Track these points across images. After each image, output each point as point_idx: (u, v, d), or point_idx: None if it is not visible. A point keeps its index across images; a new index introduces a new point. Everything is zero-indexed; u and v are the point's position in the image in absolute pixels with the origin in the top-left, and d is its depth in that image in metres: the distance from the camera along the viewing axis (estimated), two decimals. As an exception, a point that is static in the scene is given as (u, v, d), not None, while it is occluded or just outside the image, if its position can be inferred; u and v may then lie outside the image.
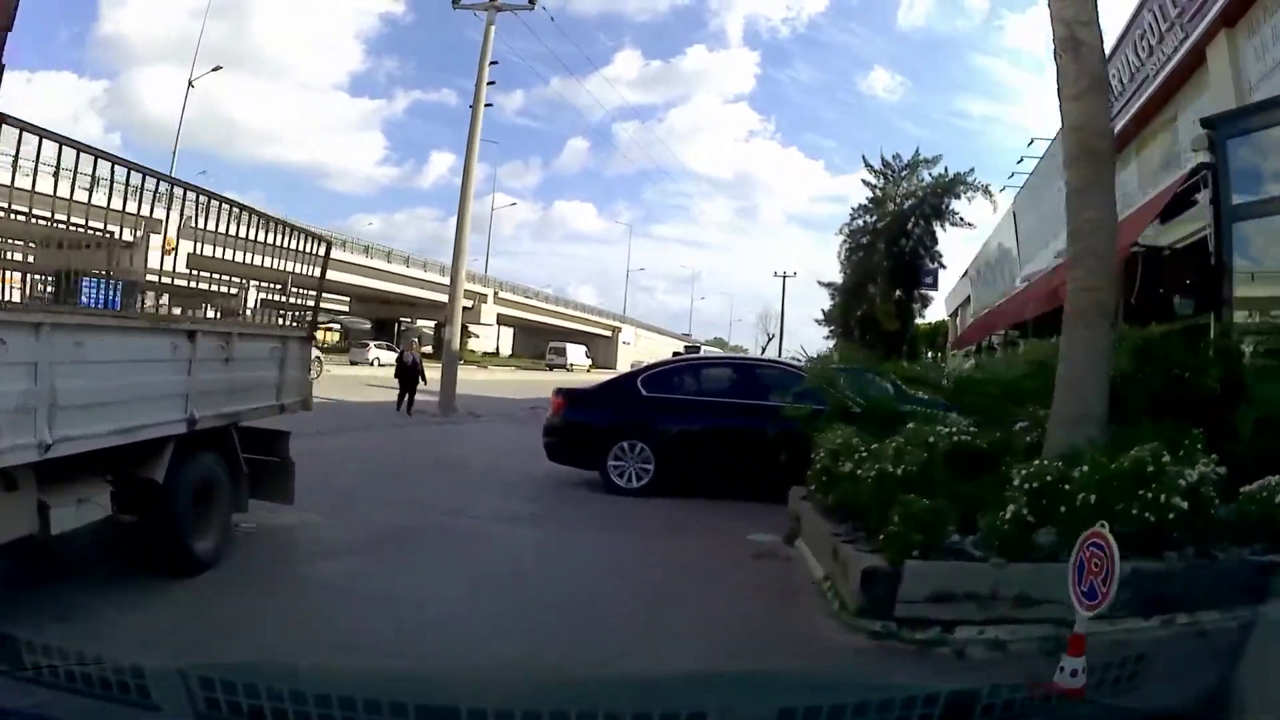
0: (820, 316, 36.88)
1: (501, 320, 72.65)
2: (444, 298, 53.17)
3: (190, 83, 37.14)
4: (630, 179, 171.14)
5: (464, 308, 42.86)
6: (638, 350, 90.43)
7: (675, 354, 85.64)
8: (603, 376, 50.85)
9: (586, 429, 10.29)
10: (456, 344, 19.55)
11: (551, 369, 63.08)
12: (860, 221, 32.14)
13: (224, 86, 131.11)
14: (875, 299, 30.21)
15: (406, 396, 18.46)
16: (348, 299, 67.43)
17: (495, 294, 67.50)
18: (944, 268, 30.66)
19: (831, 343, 32.91)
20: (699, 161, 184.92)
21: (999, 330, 19.18)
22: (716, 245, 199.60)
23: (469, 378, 32.75)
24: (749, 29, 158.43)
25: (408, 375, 18.61)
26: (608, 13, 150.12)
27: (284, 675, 2.26)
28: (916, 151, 30.50)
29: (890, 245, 29.45)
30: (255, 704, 1.71)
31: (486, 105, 19.79)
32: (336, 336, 75.60)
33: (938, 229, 29.69)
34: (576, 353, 72.01)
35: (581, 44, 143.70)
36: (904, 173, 30.46)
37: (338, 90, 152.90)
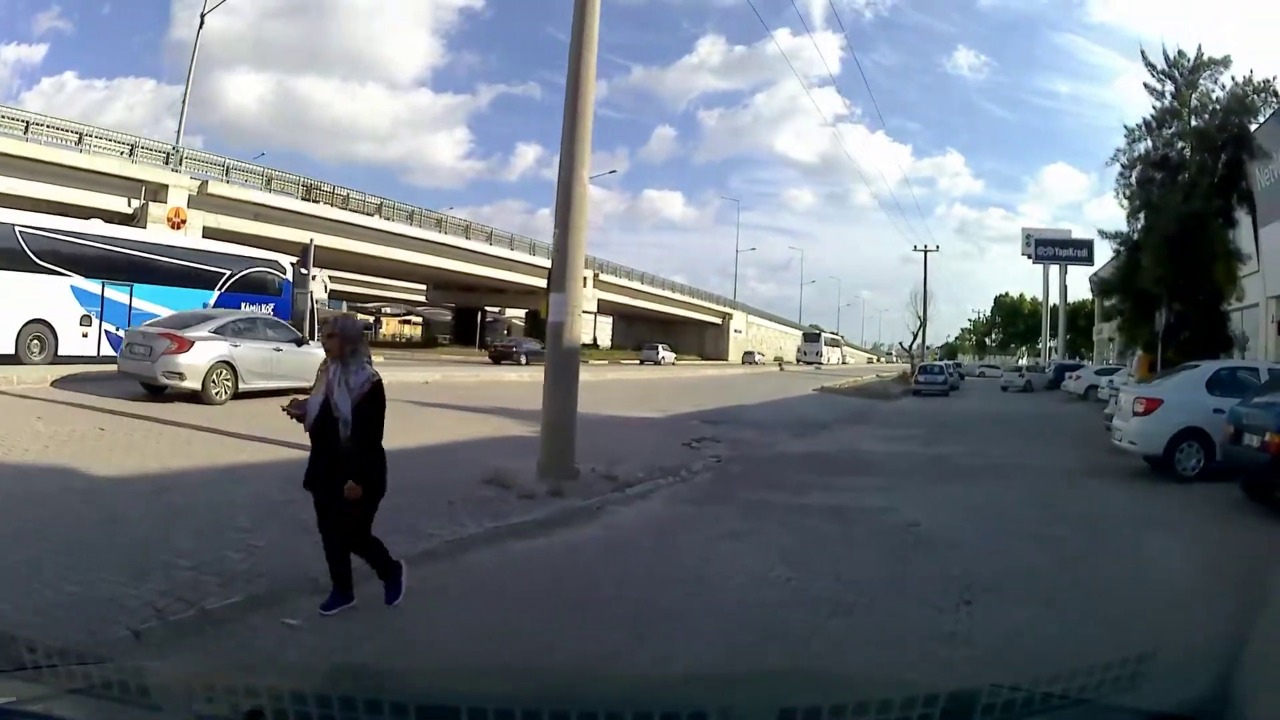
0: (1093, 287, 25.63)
1: (603, 308, 65.17)
2: (536, 281, 48.98)
3: (202, 17, 34.65)
4: (718, 166, 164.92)
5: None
6: (749, 340, 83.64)
7: (802, 345, 79.64)
8: (708, 370, 42.84)
9: None
10: (576, 330, 10.18)
11: (642, 363, 58.27)
12: (1145, 145, 22.31)
13: (310, 87, 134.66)
14: (1197, 252, 19.59)
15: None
16: (424, 285, 61.00)
17: (596, 276, 59.15)
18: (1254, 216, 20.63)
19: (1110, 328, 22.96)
20: (786, 147, 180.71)
21: None
22: (805, 232, 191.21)
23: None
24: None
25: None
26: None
27: (284, 675, 2.56)
28: (1199, 50, 20.94)
29: (1203, 172, 19.73)
30: (255, 704, 1.66)
31: None
32: (419, 330, 69.07)
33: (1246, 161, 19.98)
34: (666, 350, 65.66)
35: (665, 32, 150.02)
36: (1192, 76, 20.73)
37: (421, 86, 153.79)
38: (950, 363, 58.57)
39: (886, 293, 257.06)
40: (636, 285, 67.50)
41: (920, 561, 6.75)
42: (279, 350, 15.57)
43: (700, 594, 5.69)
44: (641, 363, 58.19)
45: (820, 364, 79.30)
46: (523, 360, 39.14)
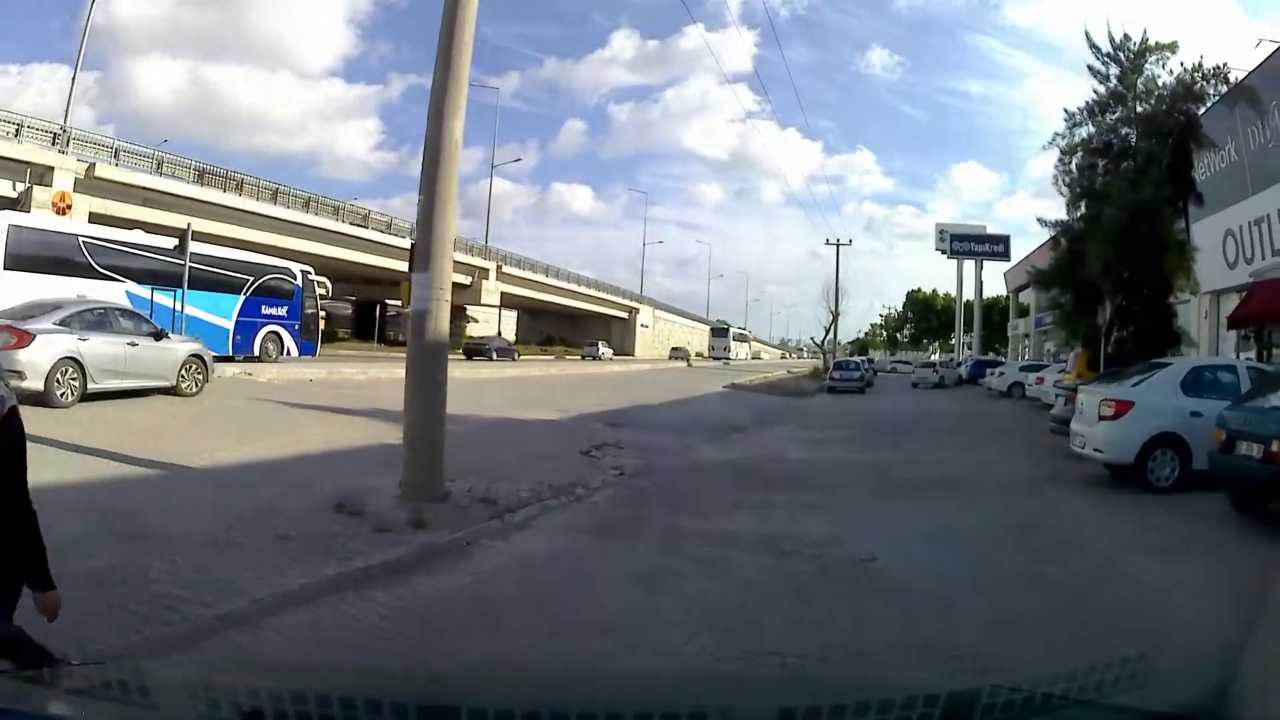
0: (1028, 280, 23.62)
1: (506, 301, 61.68)
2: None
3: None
4: (627, 160, 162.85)
5: (460, 284, 37.18)
6: (656, 335, 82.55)
7: (710, 340, 79.30)
8: (614, 366, 41.18)
9: None
10: (443, 321, 8.07)
11: (583, 358, 58.98)
12: (1087, 130, 20.36)
13: (222, 75, 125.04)
14: (1146, 241, 17.76)
15: None
16: (325, 277, 57.65)
17: (499, 269, 57.23)
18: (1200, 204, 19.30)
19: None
20: (696, 142, 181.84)
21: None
22: (713, 228, 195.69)
23: (469, 376, 25.16)
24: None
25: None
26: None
27: (284, 675, 2.37)
28: (1144, 35, 19.63)
29: (1151, 161, 18.30)
30: (255, 704, 1.66)
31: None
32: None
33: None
34: (605, 347, 66.08)
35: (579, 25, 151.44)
36: (1138, 60, 19.36)
37: (333, 76, 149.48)
38: (863, 358, 57.55)
39: (794, 288, 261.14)
40: (541, 278, 64.81)
41: (888, 619, 5.16)
42: (134, 345, 13.91)
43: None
44: (583, 358, 58.87)
45: (729, 359, 77.92)
46: (493, 356, 43.19)
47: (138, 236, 21.62)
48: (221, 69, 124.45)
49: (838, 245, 53.54)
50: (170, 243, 21.01)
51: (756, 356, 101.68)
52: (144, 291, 20.27)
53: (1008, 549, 7.16)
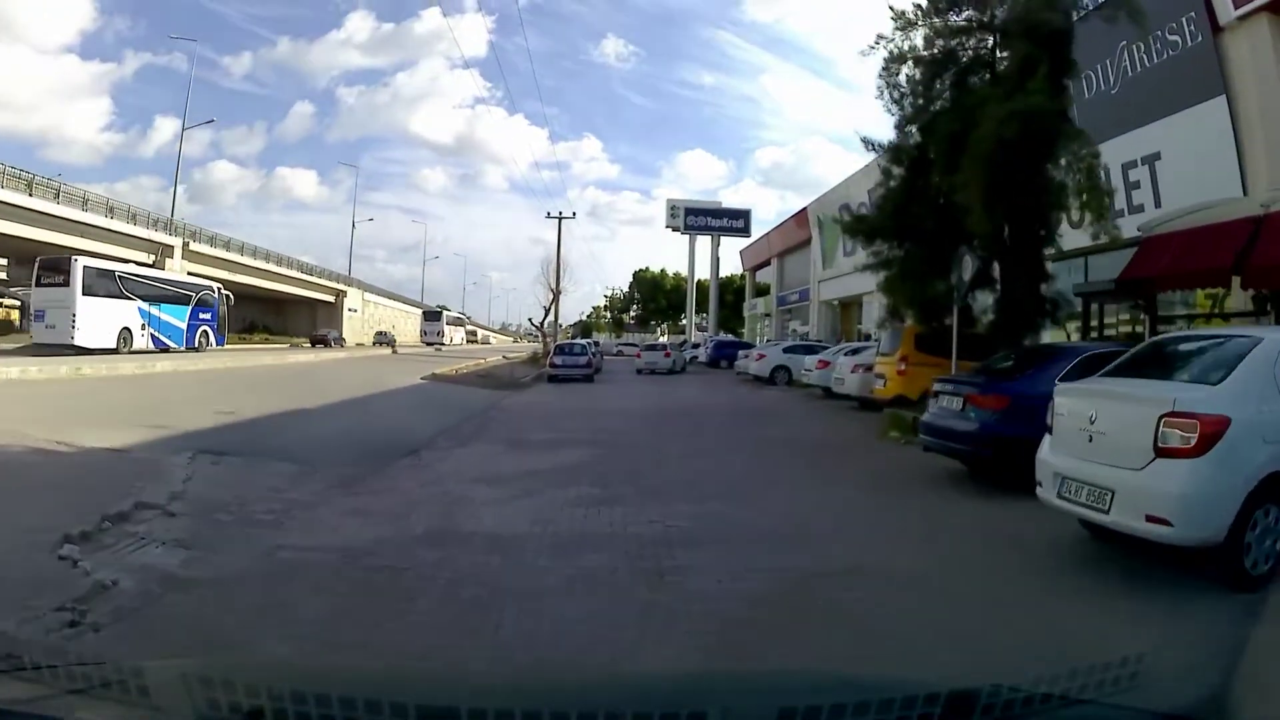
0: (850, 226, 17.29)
1: None
2: (131, 253, 40.04)
3: None
4: (353, 144, 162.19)
5: (138, 263, 40.25)
6: (366, 320, 74.86)
7: (422, 325, 72.59)
8: (302, 356, 37.91)
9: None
10: None
11: (313, 345, 57.41)
12: (917, 38, 14.90)
13: None
14: (1027, 166, 12.71)
15: None
16: (5, 260, 46.42)
17: (186, 246, 49.56)
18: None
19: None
20: (422, 127, 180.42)
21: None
22: (437, 214, 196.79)
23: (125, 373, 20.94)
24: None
25: None
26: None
27: (284, 675, 2.35)
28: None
29: (1027, 70, 12.87)
30: (255, 704, 1.65)
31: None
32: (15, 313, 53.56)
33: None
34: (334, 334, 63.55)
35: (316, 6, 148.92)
36: None
37: (69, 52, 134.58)
38: (589, 340, 50.88)
39: (518, 274, 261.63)
40: (237, 257, 56.93)
41: None
42: None
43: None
44: (313, 345, 57.28)
45: (442, 344, 71.33)
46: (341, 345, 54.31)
47: (146, 270, 36.37)
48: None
49: (560, 218, 48.06)
50: (161, 273, 37.17)
51: (475, 341, 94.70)
52: (145, 305, 33.03)
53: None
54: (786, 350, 30.00)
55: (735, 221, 63.86)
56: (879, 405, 16.58)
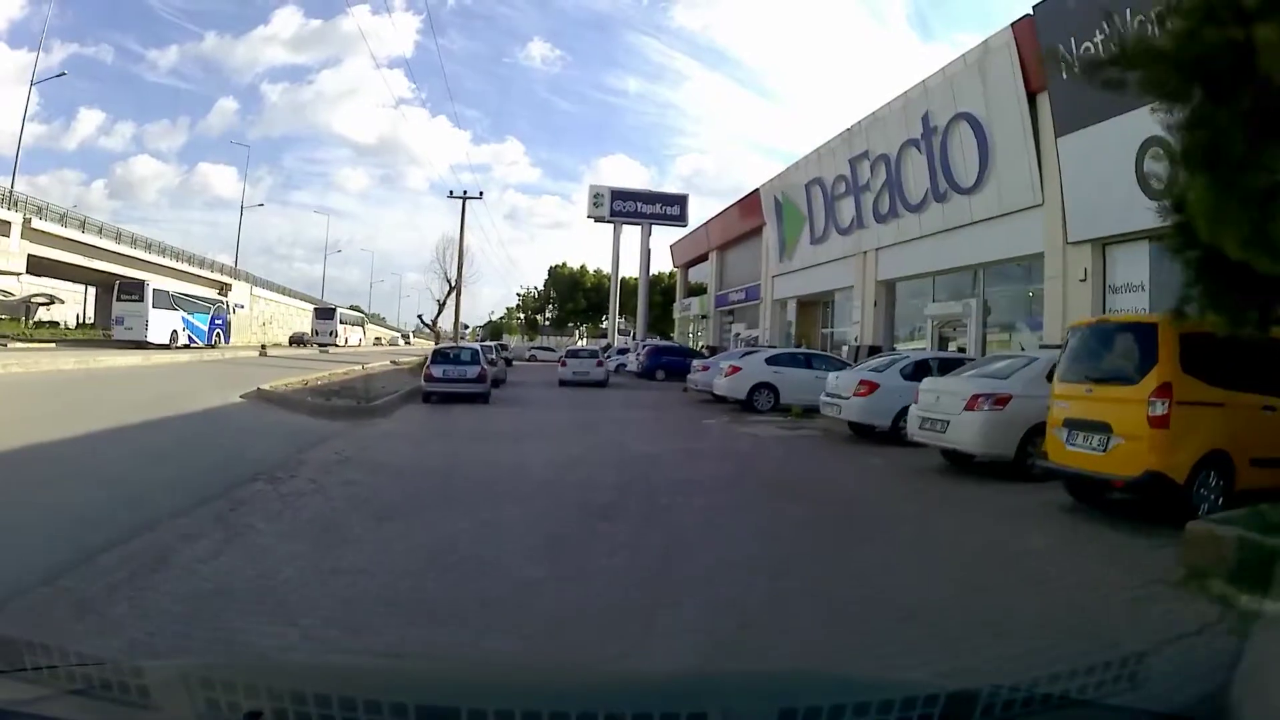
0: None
1: (44, 267, 46.10)
2: None
3: None
4: (275, 142, 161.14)
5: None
6: (256, 317, 68.31)
7: (314, 323, 66.33)
8: (131, 359, 29.93)
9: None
10: None
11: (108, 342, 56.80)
12: None
13: None
14: None
15: None
16: None
17: (28, 222, 41.57)
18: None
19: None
20: (345, 126, 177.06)
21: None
22: (357, 215, 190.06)
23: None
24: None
25: None
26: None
27: (284, 675, 2.36)
28: None
29: None
30: (255, 704, 1.65)
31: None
32: None
33: None
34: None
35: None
36: None
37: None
38: (495, 344, 41.87)
39: (434, 274, 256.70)
40: (92, 240, 48.25)
41: None
42: None
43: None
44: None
45: (333, 345, 63.00)
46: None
47: (185, 289, 48.94)
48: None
49: (464, 197, 38.62)
50: (194, 290, 51.03)
51: (381, 343, 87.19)
52: (185, 314, 45.29)
53: None
54: (771, 362, 21.65)
55: (670, 208, 55.74)
56: (1043, 475, 9.11)
